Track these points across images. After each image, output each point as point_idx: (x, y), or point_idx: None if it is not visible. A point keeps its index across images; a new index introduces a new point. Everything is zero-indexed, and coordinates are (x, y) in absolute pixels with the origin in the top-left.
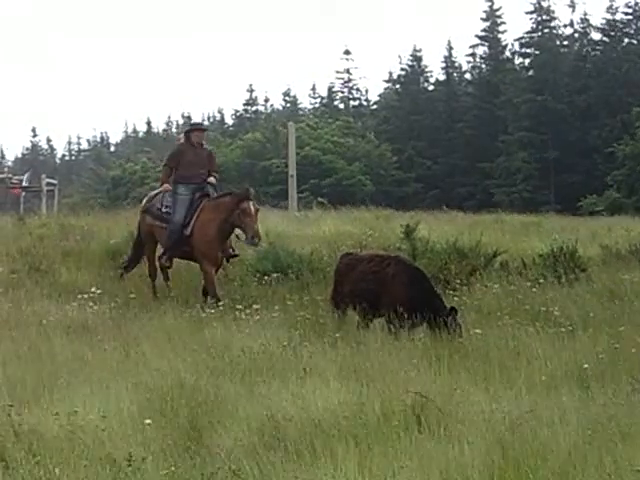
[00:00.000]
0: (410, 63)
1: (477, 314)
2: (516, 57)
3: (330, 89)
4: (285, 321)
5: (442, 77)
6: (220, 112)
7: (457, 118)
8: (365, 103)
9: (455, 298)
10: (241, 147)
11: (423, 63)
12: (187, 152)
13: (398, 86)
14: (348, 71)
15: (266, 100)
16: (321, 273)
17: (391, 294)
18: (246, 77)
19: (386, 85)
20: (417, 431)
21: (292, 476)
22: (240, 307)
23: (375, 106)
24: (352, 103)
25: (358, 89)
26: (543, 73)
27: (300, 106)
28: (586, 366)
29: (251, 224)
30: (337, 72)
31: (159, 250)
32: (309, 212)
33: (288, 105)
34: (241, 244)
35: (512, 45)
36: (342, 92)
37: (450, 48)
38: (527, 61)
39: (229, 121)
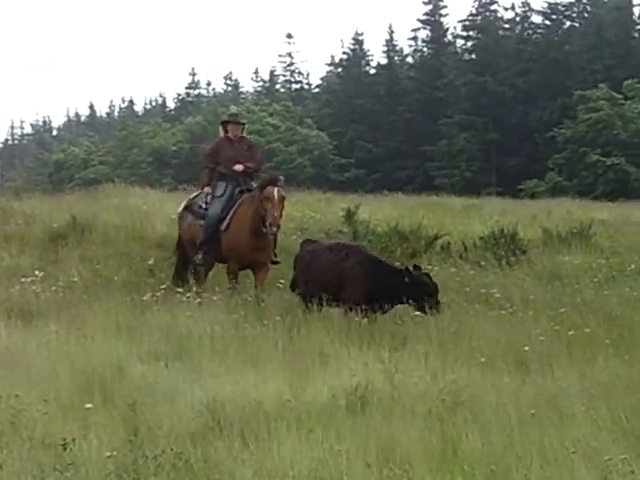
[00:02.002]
0: (352, 47)
1: None
2: (458, 40)
3: (272, 73)
4: (228, 304)
5: (384, 61)
6: (162, 96)
7: (399, 101)
8: (307, 87)
9: None
10: (182, 131)
11: (365, 47)
12: (225, 147)
13: (340, 70)
14: (290, 55)
15: (208, 84)
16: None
17: (350, 286)
18: (188, 60)
19: (328, 69)
20: (359, 412)
21: (234, 458)
22: (182, 290)
23: (317, 90)
24: (294, 87)
25: (300, 73)
26: (485, 56)
27: (242, 90)
28: (526, 348)
29: (271, 211)
30: (279, 56)
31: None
32: None
33: (230, 89)
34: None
35: (454, 28)
36: (284, 76)
37: (392, 32)
38: (469, 44)
39: (171, 105)
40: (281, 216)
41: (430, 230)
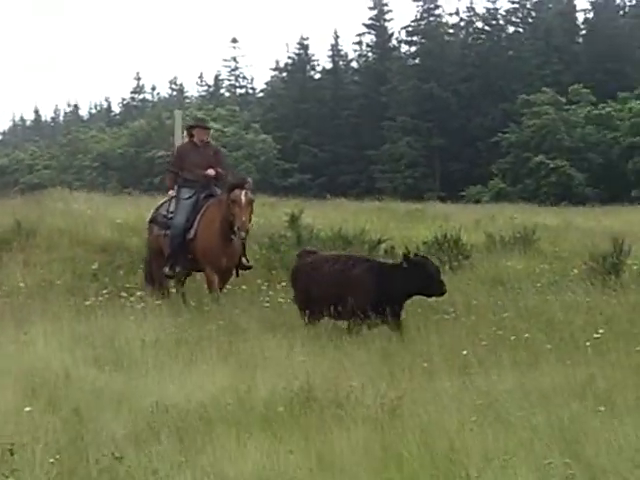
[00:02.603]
0: (297, 52)
1: None
2: (402, 45)
3: (217, 77)
4: (170, 309)
5: (329, 65)
6: (107, 100)
7: (343, 106)
8: (251, 91)
9: None
10: (127, 136)
11: (310, 52)
12: (190, 153)
13: (285, 74)
14: (235, 59)
15: (153, 88)
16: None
17: (356, 297)
18: (134, 65)
19: (273, 73)
20: (300, 416)
21: (175, 461)
22: (125, 295)
23: (262, 94)
24: (239, 91)
25: (245, 77)
26: (429, 62)
27: (187, 94)
28: (465, 352)
29: (239, 215)
30: (224, 60)
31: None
32: None
33: (175, 93)
34: None
35: (399, 33)
36: (229, 80)
37: (337, 37)
38: (413, 49)
39: (116, 109)
40: (250, 220)
41: (373, 234)
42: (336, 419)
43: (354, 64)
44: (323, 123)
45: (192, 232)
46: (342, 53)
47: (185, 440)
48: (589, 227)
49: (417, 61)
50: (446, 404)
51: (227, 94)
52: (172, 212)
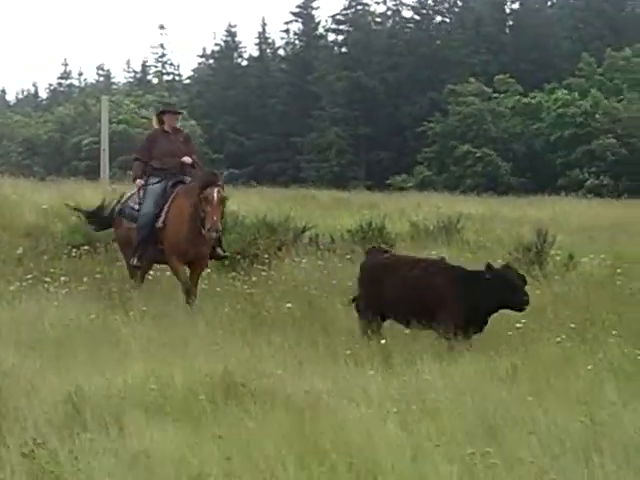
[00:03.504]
0: (224, 39)
1: (285, 288)
2: (329, 34)
3: (144, 63)
4: (94, 294)
5: (256, 53)
6: (34, 85)
7: (270, 94)
8: (178, 78)
9: (263, 272)
10: (53, 121)
11: (237, 39)
12: (160, 140)
13: (212, 61)
14: (162, 46)
15: (80, 74)
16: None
17: (445, 309)
18: (61, 51)
19: (200, 60)
20: (222, 403)
21: (98, 447)
22: (49, 280)
23: (188, 81)
24: (166, 78)
25: (172, 64)
26: (356, 50)
27: (114, 80)
28: (388, 341)
29: (211, 214)
30: (151, 47)
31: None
32: (121, 186)
33: (102, 79)
34: None
35: (326, 22)
36: (156, 67)
37: (264, 24)
38: (340, 38)
39: (43, 95)
40: (222, 218)
41: (298, 222)
42: (258, 407)
43: (281, 52)
44: (250, 111)
45: (161, 221)
46: (269, 41)
47: (108, 426)
48: (514, 217)
49: (344, 50)
50: (370, 393)
51: (155, 81)
52: (139, 204)
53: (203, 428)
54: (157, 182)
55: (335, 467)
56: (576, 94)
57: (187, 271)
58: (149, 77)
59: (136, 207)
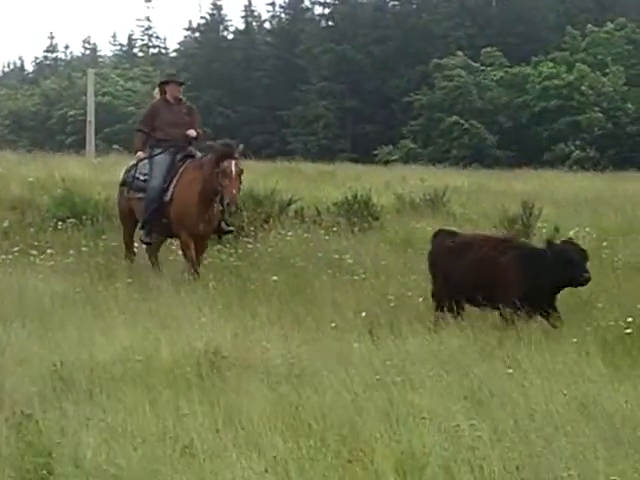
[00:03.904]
0: (210, 12)
1: (271, 260)
2: (316, 7)
3: (130, 37)
4: (79, 267)
5: (242, 26)
6: (20, 59)
7: (256, 67)
8: (164, 51)
9: (249, 245)
10: (39, 94)
11: (223, 12)
12: (163, 111)
13: (198, 34)
14: (148, 19)
15: (66, 47)
16: (116, 219)
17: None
18: (47, 24)
19: (186, 33)
20: (207, 376)
21: (83, 418)
22: (35, 253)
23: (175, 54)
24: (152, 51)
25: (158, 37)
26: (342, 24)
27: (100, 53)
28: (373, 313)
29: (229, 188)
30: (137, 20)
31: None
32: (106, 158)
33: (88, 52)
34: None
35: None
36: (142, 40)
37: None
38: (327, 11)
39: (29, 68)
40: (239, 191)
41: (284, 195)
42: (243, 379)
43: (267, 25)
44: (235, 84)
45: (168, 195)
46: (255, 14)
47: (94, 398)
48: (500, 190)
49: (330, 23)
50: (355, 364)
51: (140, 54)
52: (146, 174)
53: (189, 400)
54: (161, 153)
55: (324, 439)
56: (563, 68)
57: None
58: (135, 50)
59: (141, 177)
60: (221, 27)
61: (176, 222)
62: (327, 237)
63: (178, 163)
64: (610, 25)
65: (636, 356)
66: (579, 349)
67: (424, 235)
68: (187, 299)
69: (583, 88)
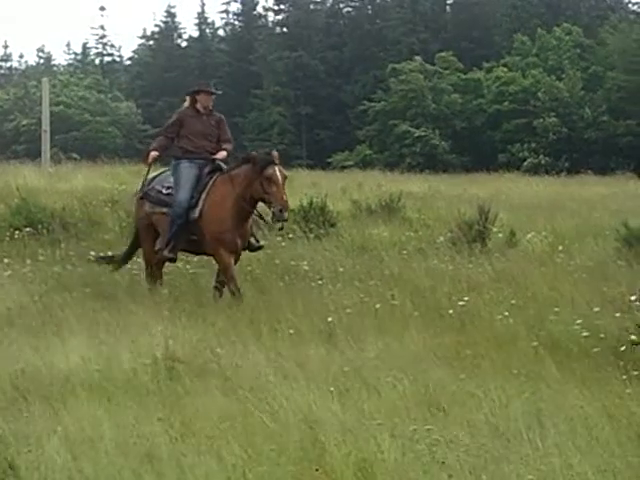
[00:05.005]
0: (164, 19)
1: None
2: (269, 14)
3: (84, 45)
4: (36, 276)
5: (196, 34)
6: None
7: (210, 74)
8: (119, 59)
9: None
10: None
11: (177, 20)
12: (191, 120)
13: (152, 42)
14: (103, 27)
15: (21, 56)
16: (73, 228)
17: None
18: (1, 33)
19: (140, 41)
20: (164, 385)
21: (45, 428)
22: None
23: (129, 62)
24: (106, 59)
25: (112, 45)
26: (296, 30)
27: (55, 62)
28: (330, 319)
29: (279, 194)
30: (92, 28)
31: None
32: (61, 167)
33: (42, 61)
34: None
35: (265, 1)
36: (96, 48)
37: (203, 4)
38: (280, 18)
39: None
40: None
41: None
42: (201, 387)
43: (221, 32)
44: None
45: (197, 211)
46: (209, 21)
47: (54, 407)
48: (455, 195)
49: (285, 29)
50: (312, 370)
51: (96, 62)
52: (170, 187)
53: (147, 408)
54: (188, 166)
55: (285, 446)
56: (518, 73)
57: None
58: (90, 58)
59: (164, 191)
60: (175, 35)
61: (212, 240)
62: (283, 244)
63: (206, 177)
64: (557, 30)
65: (591, 359)
66: (535, 353)
67: (381, 241)
68: (144, 307)
69: (539, 94)
